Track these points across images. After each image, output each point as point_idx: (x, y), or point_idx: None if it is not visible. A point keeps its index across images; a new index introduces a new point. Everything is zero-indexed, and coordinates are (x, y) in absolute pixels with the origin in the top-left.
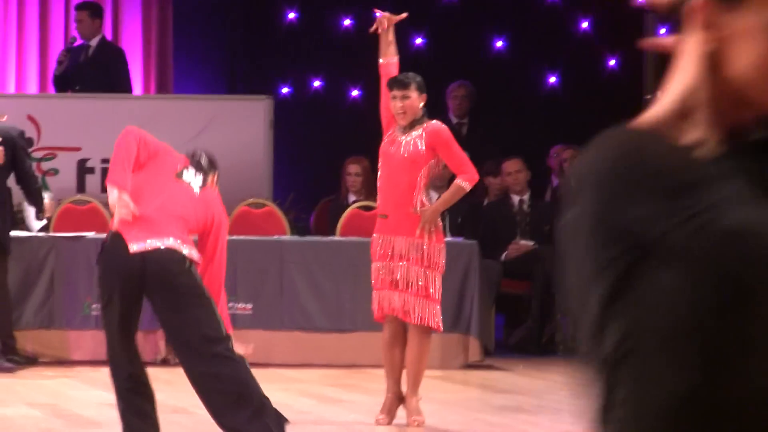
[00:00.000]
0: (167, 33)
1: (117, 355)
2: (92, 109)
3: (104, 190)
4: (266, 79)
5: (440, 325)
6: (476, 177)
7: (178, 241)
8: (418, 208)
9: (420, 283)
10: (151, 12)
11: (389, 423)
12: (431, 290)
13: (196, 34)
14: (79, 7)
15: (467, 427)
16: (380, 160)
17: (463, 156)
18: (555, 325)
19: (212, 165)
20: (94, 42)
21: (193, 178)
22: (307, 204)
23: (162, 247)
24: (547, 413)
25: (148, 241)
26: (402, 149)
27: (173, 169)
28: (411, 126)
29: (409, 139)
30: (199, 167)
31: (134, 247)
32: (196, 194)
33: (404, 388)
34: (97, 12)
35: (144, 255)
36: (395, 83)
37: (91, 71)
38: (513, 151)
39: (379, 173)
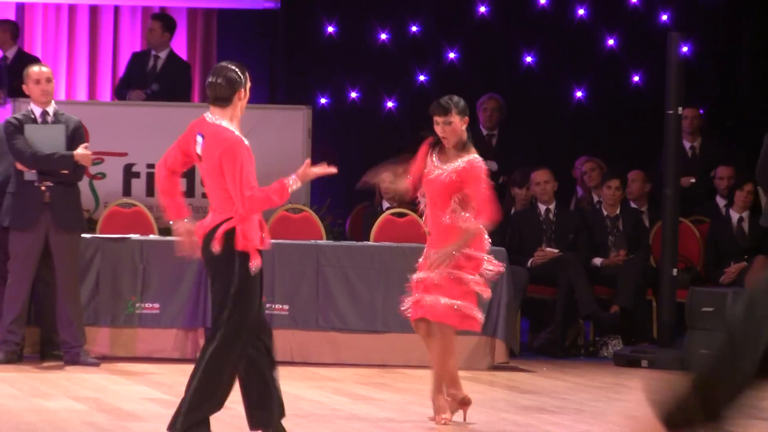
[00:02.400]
0: (212, 44)
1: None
2: (139, 116)
3: (150, 194)
4: (306, 90)
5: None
6: (495, 218)
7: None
8: (447, 218)
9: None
10: (197, 25)
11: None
12: (455, 290)
13: (239, 45)
14: (154, 17)
15: (493, 426)
16: (424, 187)
17: (488, 196)
18: (578, 329)
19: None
20: (162, 54)
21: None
22: (343, 210)
23: None
24: (569, 413)
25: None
26: (441, 177)
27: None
28: (456, 148)
29: (448, 167)
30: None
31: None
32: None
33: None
34: (169, 25)
35: None
36: (437, 108)
37: (156, 81)
38: (540, 162)
39: (425, 195)
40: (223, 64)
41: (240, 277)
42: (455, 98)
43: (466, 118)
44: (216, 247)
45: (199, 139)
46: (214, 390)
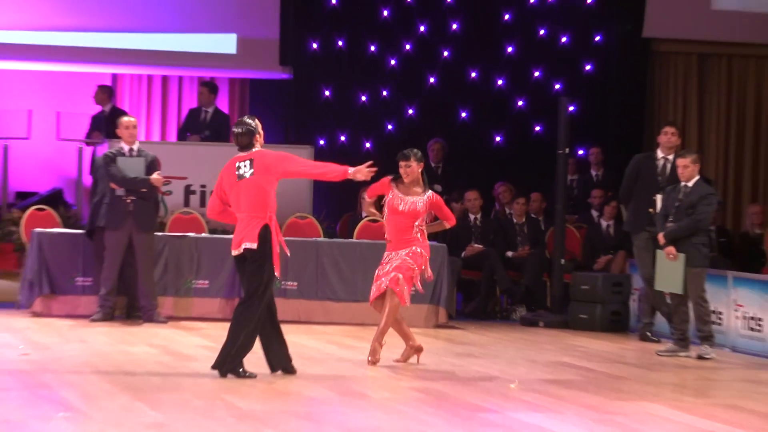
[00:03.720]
0: (245, 102)
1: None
2: (195, 153)
3: (202, 205)
4: (309, 135)
5: (405, 298)
6: (454, 222)
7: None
8: (416, 232)
9: (397, 263)
10: (235, 89)
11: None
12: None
13: (264, 103)
14: (202, 84)
15: (437, 366)
16: (388, 210)
17: (449, 211)
18: (496, 300)
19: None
20: (210, 109)
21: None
22: (335, 218)
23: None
24: (488, 358)
25: None
26: (406, 207)
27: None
28: (413, 184)
29: (412, 199)
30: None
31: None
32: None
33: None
34: (213, 89)
35: None
36: (402, 156)
37: (206, 128)
38: (471, 186)
39: (386, 216)
40: (241, 118)
41: (271, 264)
42: (415, 150)
43: (422, 163)
44: (257, 242)
45: (241, 163)
46: (246, 339)
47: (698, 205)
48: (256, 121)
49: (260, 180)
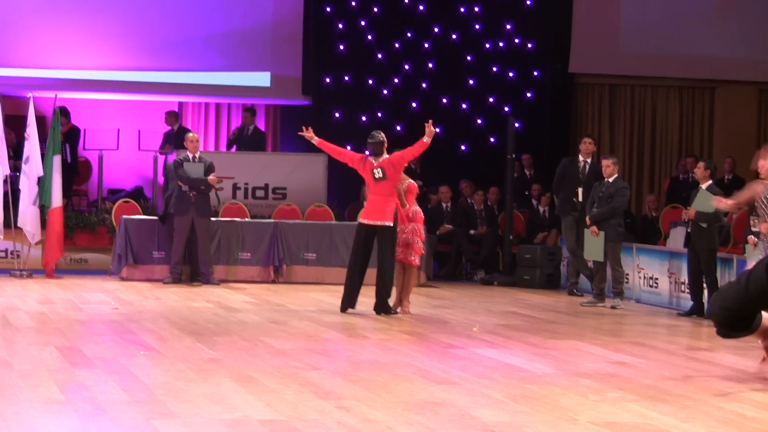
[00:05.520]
0: (278, 123)
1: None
2: (240, 160)
3: (245, 197)
4: None
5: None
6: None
7: None
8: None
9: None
10: (270, 114)
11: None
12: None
13: (290, 123)
14: (245, 109)
15: (420, 315)
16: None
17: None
18: (462, 266)
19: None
20: (251, 128)
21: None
22: (343, 206)
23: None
24: (457, 309)
25: None
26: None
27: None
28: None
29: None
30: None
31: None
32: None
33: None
34: (254, 113)
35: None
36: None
37: (248, 142)
38: (443, 182)
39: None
40: (373, 132)
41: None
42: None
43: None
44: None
45: (374, 170)
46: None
47: (615, 196)
48: (383, 135)
49: (390, 180)
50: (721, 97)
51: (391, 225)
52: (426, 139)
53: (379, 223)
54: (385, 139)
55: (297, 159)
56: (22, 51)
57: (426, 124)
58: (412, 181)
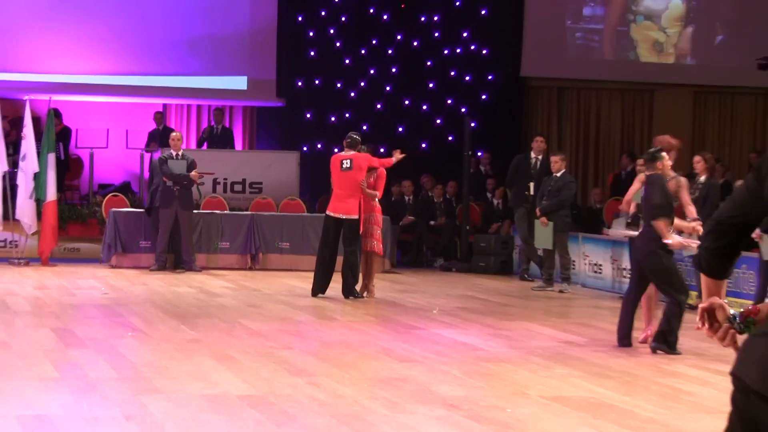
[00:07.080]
0: (254, 122)
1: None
2: (217, 157)
3: (224, 191)
4: (296, 144)
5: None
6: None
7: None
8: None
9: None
10: (247, 115)
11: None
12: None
13: (266, 122)
14: (216, 110)
15: (385, 298)
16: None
17: (377, 159)
18: (423, 254)
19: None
20: (219, 127)
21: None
22: (314, 199)
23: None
24: (418, 293)
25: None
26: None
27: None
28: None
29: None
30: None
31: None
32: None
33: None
34: (222, 112)
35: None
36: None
37: (218, 140)
38: (406, 177)
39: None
40: (350, 133)
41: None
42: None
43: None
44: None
45: (344, 160)
46: (351, 274)
47: (563, 189)
48: (359, 136)
49: (355, 172)
50: (659, 99)
51: (357, 218)
52: (393, 160)
53: (344, 216)
54: (361, 141)
55: (272, 156)
56: (18, 57)
57: (395, 152)
58: (383, 169)
